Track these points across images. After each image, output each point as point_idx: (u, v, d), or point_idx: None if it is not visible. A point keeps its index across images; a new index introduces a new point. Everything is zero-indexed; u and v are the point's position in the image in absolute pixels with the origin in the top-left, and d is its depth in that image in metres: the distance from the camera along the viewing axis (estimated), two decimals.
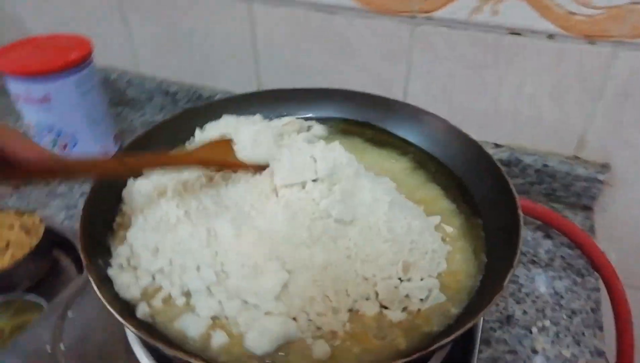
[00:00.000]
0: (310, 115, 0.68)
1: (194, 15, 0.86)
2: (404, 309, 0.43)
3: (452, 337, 0.36)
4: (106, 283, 0.42)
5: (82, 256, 0.42)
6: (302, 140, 0.59)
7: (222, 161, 0.53)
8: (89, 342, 0.48)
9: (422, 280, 0.44)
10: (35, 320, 0.50)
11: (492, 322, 0.61)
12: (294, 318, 0.41)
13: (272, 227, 0.44)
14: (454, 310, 0.43)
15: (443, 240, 0.49)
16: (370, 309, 0.42)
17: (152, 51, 0.94)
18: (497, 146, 0.80)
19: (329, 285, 0.42)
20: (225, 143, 0.55)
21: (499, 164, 0.55)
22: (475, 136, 0.78)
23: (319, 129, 0.65)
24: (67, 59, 0.74)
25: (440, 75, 0.77)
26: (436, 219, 0.51)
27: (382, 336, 0.41)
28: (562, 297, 0.64)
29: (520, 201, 0.65)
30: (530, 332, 0.60)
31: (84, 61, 0.77)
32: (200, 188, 0.50)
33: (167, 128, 0.60)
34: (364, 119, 0.66)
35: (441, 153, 0.61)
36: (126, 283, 0.43)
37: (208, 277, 0.42)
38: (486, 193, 0.53)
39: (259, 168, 0.52)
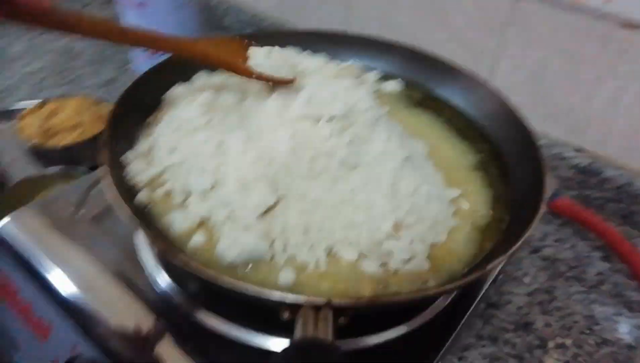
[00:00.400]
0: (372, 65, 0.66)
1: None
2: (383, 264, 0.41)
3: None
4: (119, 166, 0.46)
5: (103, 135, 0.45)
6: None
7: (229, 62, 0.50)
8: (108, 216, 0.52)
9: (411, 242, 0.42)
10: (69, 185, 0.55)
11: (507, 323, 0.56)
12: (273, 241, 0.41)
13: (274, 152, 0.44)
14: (432, 282, 0.41)
15: (454, 214, 0.46)
16: (348, 254, 0.41)
17: None
18: (578, 150, 0.72)
19: (315, 220, 0.42)
20: (237, 44, 0.52)
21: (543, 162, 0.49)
22: (556, 134, 0.72)
23: (392, 84, 0.63)
24: None
25: (532, 60, 0.71)
26: (455, 192, 0.48)
27: (350, 280, 0.40)
28: (597, 323, 0.58)
29: (562, 200, 0.59)
30: (546, 345, 0.55)
31: None
32: (232, 104, 0.51)
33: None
34: (423, 82, 0.63)
35: (495, 138, 0.57)
36: (136, 169, 0.46)
37: (206, 182, 0.43)
38: (525, 190, 0.48)
39: (280, 82, 0.51)
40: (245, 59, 0.51)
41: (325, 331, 0.33)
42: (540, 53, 0.70)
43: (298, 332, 0.32)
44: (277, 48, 0.57)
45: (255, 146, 0.46)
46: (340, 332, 0.34)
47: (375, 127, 0.48)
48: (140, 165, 0.46)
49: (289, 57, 0.59)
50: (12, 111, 0.75)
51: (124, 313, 0.44)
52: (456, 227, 0.46)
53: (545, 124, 0.73)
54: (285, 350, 0.31)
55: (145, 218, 0.43)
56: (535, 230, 0.69)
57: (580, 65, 0.67)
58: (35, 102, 0.73)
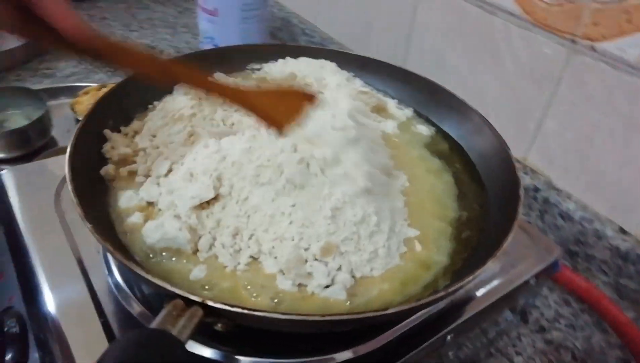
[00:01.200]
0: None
1: None
2: (299, 285, 0.39)
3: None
4: (97, 138, 0.49)
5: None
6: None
7: (280, 119, 0.44)
8: None
9: (337, 269, 0.39)
10: None
11: None
12: (200, 237, 0.41)
13: (229, 150, 0.44)
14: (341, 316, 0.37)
15: (403, 254, 0.42)
16: (269, 266, 0.40)
17: (328, 8, 0.99)
18: (623, 231, 0.62)
19: (249, 226, 0.41)
20: (301, 97, 0.47)
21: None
22: (598, 207, 0.63)
23: (424, 128, 0.61)
24: None
25: (582, 120, 0.63)
26: (412, 232, 0.44)
27: (256, 294, 0.38)
28: None
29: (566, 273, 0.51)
30: None
31: None
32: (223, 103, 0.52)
33: (252, 51, 0.63)
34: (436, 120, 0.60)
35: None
36: (114, 144, 0.49)
37: (163, 168, 0.44)
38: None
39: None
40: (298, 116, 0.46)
41: (183, 328, 0.32)
42: (592, 114, 0.62)
43: (155, 321, 0.32)
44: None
45: (220, 141, 0.46)
46: None
47: (350, 148, 0.46)
48: (119, 142, 0.49)
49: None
50: (75, 87, 0.84)
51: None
52: (398, 267, 0.42)
53: (588, 194, 0.64)
54: (128, 336, 0.31)
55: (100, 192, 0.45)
56: (548, 308, 0.61)
57: (635, 133, 0.59)
58: (96, 85, 0.82)
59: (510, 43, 0.68)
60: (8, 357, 0.38)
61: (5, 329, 0.39)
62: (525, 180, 0.69)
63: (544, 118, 0.68)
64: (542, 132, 0.68)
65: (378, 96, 0.63)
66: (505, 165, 0.50)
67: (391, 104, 0.63)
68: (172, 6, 1.22)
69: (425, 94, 0.64)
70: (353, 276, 0.40)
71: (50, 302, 0.42)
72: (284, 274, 0.39)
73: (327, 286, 0.39)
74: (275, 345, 0.41)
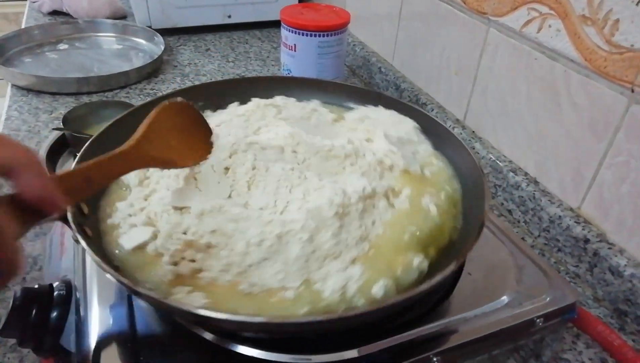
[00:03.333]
0: None
1: (442, 26, 0.90)
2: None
3: None
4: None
5: None
6: None
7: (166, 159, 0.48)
8: None
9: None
10: None
11: None
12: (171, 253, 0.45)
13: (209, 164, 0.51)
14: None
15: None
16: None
17: (404, 49, 1.03)
18: None
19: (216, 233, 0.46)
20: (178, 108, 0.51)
21: None
22: None
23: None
24: (316, 23, 0.91)
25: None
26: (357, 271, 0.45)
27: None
28: None
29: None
30: None
31: (330, 29, 0.92)
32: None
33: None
34: None
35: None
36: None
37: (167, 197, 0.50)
38: None
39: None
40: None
41: None
42: None
43: None
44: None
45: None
46: None
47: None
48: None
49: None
50: None
51: None
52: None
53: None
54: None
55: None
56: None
57: None
58: None
59: (570, 90, 0.68)
60: (52, 316, 0.45)
61: (55, 292, 0.47)
62: (577, 230, 0.67)
63: (600, 168, 0.65)
64: (598, 182, 0.66)
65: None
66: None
67: None
68: (268, 43, 1.35)
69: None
70: None
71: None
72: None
73: None
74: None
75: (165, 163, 0.48)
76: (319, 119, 0.64)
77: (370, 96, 0.70)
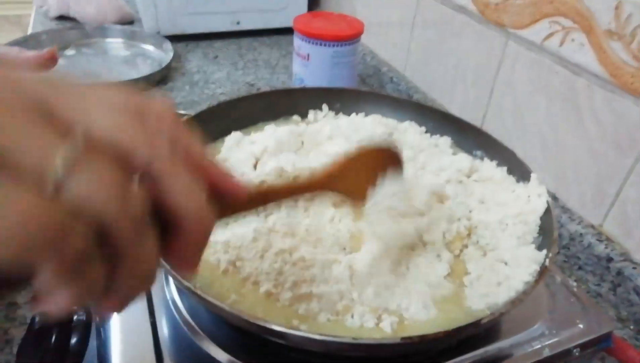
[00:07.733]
0: None
1: (457, 36, 0.89)
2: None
3: None
4: None
5: None
6: None
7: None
8: None
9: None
10: None
11: None
12: None
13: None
14: None
15: None
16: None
17: (417, 60, 1.02)
18: None
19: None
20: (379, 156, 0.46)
21: None
22: None
23: None
24: (332, 33, 0.90)
25: None
26: None
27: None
28: None
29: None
30: None
31: (343, 39, 0.91)
32: None
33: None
34: None
35: None
36: None
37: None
38: None
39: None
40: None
41: None
42: None
43: None
44: None
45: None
46: None
47: None
48: None
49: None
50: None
51: None
52: None
53: None
54: None
55: None
56: None
57: None
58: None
59: (593, 105, 0.66)
60: (73, 340, 0.44)
61: (75, 317, 0.45)
62: (599, 248, 0.66)
63: (624, 185, 0.64)
64: (621, 199, 0.65)
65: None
66: None
67: None
68: (277, 50, 1.33)
69: None
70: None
71: None
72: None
73: None
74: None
75: (343, 200, 0.48)
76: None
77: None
